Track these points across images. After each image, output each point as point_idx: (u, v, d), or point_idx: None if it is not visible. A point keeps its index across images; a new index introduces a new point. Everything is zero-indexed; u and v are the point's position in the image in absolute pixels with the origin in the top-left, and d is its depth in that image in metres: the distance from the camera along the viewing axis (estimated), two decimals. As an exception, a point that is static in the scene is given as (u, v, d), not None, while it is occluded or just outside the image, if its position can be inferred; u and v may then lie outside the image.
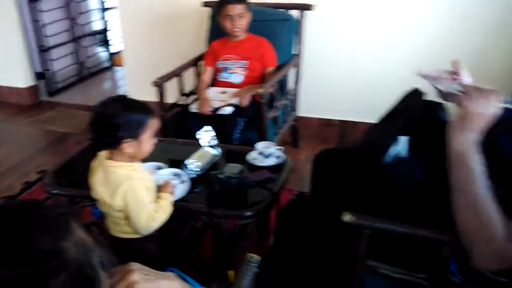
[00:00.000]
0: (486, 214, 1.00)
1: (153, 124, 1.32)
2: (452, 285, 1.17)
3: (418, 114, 1.25)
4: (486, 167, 1.05)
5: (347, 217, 1.16)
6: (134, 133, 1.28)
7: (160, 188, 1.43)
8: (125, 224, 1.36)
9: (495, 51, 2.54)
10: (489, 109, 1.04)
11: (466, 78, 1.20)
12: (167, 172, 1.61)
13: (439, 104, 1.34)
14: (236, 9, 2.31)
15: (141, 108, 1.32)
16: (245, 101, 2.24)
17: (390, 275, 1.24)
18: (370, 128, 1.42)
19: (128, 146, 1.29)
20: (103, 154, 1.36)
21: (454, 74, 1.21)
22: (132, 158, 1.34)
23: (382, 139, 1.24)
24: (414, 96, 1.27)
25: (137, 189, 1.30)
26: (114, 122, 1.25)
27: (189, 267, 1.79)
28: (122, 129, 1.26)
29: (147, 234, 1.36)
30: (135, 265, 0.76)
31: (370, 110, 2.82)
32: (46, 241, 0.55)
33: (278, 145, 1.83)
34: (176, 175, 1.59)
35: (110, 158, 1.33)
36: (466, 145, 1.03)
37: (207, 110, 2.22)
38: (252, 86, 2.30)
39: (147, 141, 1.33)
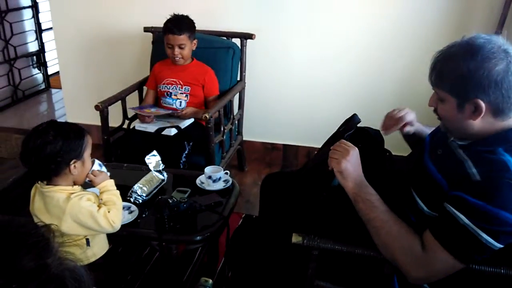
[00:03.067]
0: (394, 231, 1.13)
1: (89, 141, 1.35)
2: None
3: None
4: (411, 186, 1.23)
5: (296, 239, 1.20)
6: (77, 153, 1.31)
7: (92, 182, 1.40)
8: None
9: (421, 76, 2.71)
10: (346, 157, 1.21)
11: (410, 116, 1.42)
12: None
13: (376, 130, 1.45)
14: (176, 39, 2.30)
15: (74, 128, 1.34)
16: (188, 113, 2.34)
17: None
18: (317, 152, 1.49)
19: (74, 168, 1.30)
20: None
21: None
22: (74, 182, 1.34)
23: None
24: (351, 121, 1.36)
25: (81, 205, 1.30)
26: (55, 148, 1.25)
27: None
28: (65, 152, 1.27)
29: (94, 261, 1.38)
30: None
31: (309, 135, 2.93)
32: (31, 258, 0.57)
33: (225, 169, 1.85)
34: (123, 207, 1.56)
35: (49, 184, 1.32)
36: (354, 186, 1.21)
37: (149, 119, 2.29)
38: (198, 109, 2.35)
39: (88, 159, 1.36)
